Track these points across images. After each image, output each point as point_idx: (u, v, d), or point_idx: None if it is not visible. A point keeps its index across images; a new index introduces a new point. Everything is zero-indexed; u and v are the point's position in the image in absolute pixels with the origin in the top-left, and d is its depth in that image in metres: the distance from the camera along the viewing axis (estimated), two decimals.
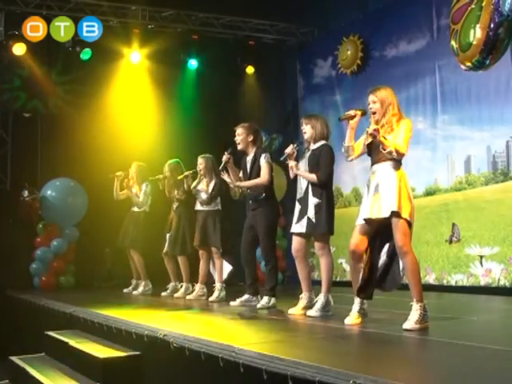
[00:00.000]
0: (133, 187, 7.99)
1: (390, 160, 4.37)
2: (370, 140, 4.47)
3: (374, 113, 4.47)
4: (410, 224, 4.27)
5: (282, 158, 5.44)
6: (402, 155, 4.34)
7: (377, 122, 4.45)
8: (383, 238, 4.46)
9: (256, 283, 6.18)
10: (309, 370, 2.99)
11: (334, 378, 2.85)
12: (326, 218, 5.12)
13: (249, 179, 6.03)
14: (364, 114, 4.64)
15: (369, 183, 4.47)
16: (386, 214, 4.27)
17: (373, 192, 4.39)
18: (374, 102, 4.47)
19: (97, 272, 9.71)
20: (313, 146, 5.27)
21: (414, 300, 4.23)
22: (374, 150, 4.46)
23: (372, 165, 4.51)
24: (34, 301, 7.36)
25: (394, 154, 4.28)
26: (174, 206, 7.54)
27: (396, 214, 4.22)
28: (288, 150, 5.33)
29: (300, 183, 5.28)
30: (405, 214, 4.23)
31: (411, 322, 4.16)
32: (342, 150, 4.65)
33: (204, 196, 6.93)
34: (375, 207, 4.35)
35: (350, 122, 4.60)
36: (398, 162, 4.39)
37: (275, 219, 6.10)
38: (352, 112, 4.63)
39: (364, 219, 4.42)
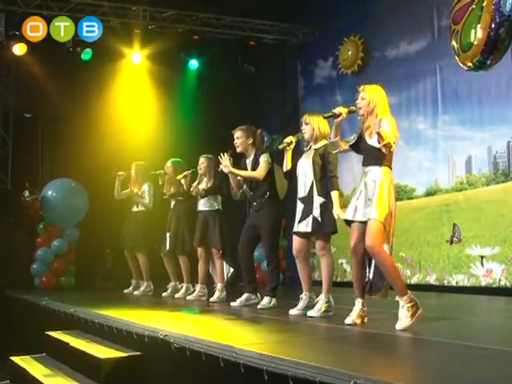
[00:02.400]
0: (134, 187, 7.99)
1: (377, 164, 4.37)
2: (352, 142, 4.55)
3: (360, 108, 4.50)
4: (385, 227, 4.26)
5: (280, 147, 5.50)
6: (390, 146, 4.28)
7: (362, 119, 4.49)
8: None
9: (254, 281, 6.19)
10: (309, 371, 2.98)
11: (335, 379, 2.84)
12: (331, 217, 5.12)
13: (251, 181, 6.04)
14: (352, 111, 4.62)
15: (360, 183, 4.48)
16: (364, 218, 4.31)
17: (358, 194, 4.43)
18: (363, 99, 4.49)
19: (97, 272, 9.72)
20: (315, 146, 5.27)
21: (398, 296, 4.23)
22: (363, 152, 4.51)
23: (363, 165, 4.52)
24: (35, 301, 7.36)
25: (387, 144, 4.24)
26: (172, 204, 7.54)
27: (372, 219, 4.26)
28: (287, 140, 5.40)
29: (302, 181, 5.27)
30: (380, 218, 4.24)
31: (402, 322, 4.16)
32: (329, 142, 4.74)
33: (202, 196, 6.92)
34: (357, 208, 4.39)
35: (335, 120, 4.61)
36: (385, 166, 4.37)
37: (279, 220, 6.12)
38: (336, 110, 4.62)
39: (346, 220, 4.49)
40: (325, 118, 4.86)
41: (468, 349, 3.62)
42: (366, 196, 4.36)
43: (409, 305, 4.18)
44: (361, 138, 4.51)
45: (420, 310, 4.22)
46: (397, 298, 4.24)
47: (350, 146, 4.62)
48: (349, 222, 4.51)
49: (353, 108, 4.62)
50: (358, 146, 4.55)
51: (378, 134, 4.24)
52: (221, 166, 6.01)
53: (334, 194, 5.11)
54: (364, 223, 4.36)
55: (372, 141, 4.36)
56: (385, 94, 4.54)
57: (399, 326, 4.15)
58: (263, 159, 5.99)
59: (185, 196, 7.35)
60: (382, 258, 4.25)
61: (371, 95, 4.47)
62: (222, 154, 6.00)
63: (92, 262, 9.53)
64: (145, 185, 7.97)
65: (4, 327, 7.88)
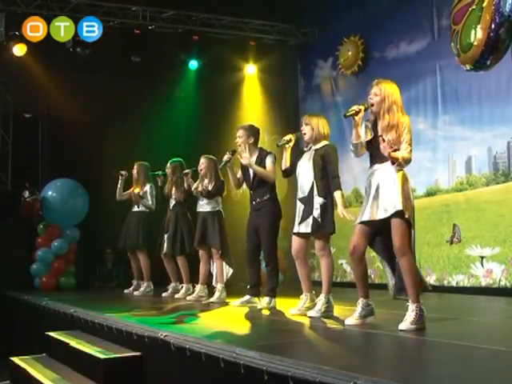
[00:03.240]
0: (136, 188, 7.99)
1: (388, 161, 4.32)
2: (369, 137, 4.41)
3: (372, 105, 4.35)
4: (410, 225, 4.22)
5: (279, 144, 5.53)
6: (410, 161, 4.27)
7: (375, 115, 4.38)
8: (384, 238, 4.42)
9: (259, 285, 6.18)
10: (309, 371, 2.98)
11: (335, 379, 2.84)
12: (331, 217, 5.13)
13: (253, 180, 6.02)
14: (368, 107, 4.45)
15: (369, 183, 4.37)
16: (388, 214, 4.21)
17: (374, 193, 4.30)
18: (376, 95, 4.34)
19: (98, 273, 9.71)
20: (315, 146, 5.27)
21: (410, 301, 4.20)
22: (375, 150, 4.37)
23: (372, 164, 4.41)
24: (35, 301, 7.35)
25: (403, 164, 4.23)
26: (171, 205, 7.54)
27: (398, 214, 4.16)
28: (286, 138, 5.45)
29: (302, 182, 5.27)
30: (407, 215, 4.18)
31: (407, 323, 4.13)
32: (351, 147, 4.52)
33: (204, 195, 6.91)
34: (376, 208, 4.28)
35: (355, 118, 4.44)
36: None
37: (278, 220, 6.10)
38: (356, 107, 4.47)
39: (365, 221, 4.35)
40: (346, 116, 4.61)
41: (468, 349, 3.62)
42: (385, 192, 4.23)
43: (417, 313, 4.15)
44: (374, 136, 4.37)
45: (424, 325, 4.17)
46: (408, 303, 4.21)
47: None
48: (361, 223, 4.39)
49: (368, 104, 4.44)
50: (371, 143, 4.39)
51: (391, 157, 4.18)
52: (239, 157, 5.99)
53: (338, 194, 5.10)
54: (368, 225, 4.31)
55: (389, 137, 4.24)
56: (399, 91, 4.38)
57: (403, 326, 4.14)
58: (269, 160, 5.96)
59: (185, 195, 7.35)
60: (405, 263, 4.17)
61: (385, 91, 4.31)
62: (243, 145, 5.95)
63: (92, 262, 9.53)
64: (147, 186, 7.97)
65: (4, 327, 7.88)
